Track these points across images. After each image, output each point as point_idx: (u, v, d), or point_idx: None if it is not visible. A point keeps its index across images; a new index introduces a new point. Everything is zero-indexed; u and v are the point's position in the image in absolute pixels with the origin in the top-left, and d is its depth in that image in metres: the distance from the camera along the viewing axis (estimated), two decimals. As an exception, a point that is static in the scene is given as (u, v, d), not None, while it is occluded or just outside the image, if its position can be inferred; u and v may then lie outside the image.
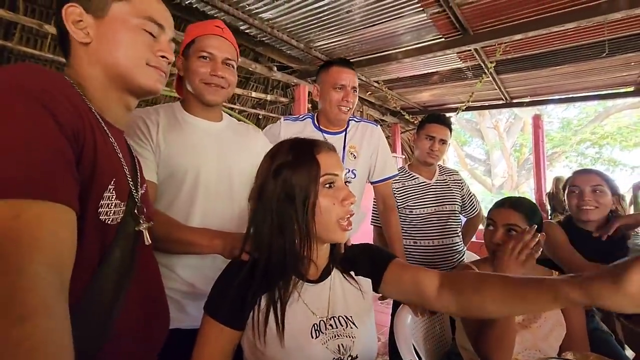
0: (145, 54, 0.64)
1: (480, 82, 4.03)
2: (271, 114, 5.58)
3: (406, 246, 1.66)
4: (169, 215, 0.94)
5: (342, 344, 0.73)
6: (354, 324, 0.76)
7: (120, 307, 0.56)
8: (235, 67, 1.11)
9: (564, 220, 1.55)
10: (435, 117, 1.73)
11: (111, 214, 0.55)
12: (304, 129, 1.51)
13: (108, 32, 0.61)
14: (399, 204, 1.68)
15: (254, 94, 4.60)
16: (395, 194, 1.67)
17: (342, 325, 0.75)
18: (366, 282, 0.83)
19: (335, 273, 0.81)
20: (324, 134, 1.50)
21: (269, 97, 4.72)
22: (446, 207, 1.69)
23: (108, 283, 0.53)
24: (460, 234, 1.74)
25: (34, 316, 0.35)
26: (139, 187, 0.67)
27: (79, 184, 0.48)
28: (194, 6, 3.03)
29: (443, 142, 1.68)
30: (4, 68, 0.50)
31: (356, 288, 0.81)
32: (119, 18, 0.61)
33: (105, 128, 0.60)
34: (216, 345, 0.72)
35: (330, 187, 0.74)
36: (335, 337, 0.73)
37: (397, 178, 1.69)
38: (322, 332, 0.73)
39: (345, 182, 0.78)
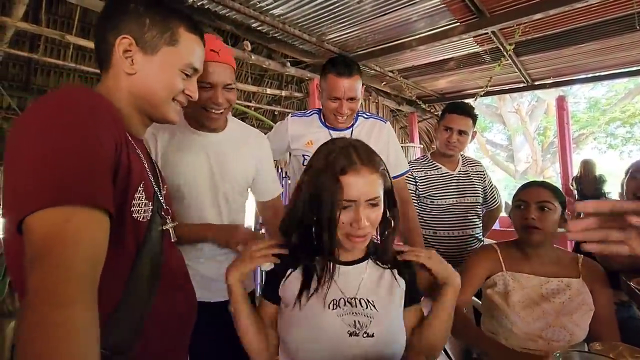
0: (177, 92, 0.73)
1: (499, 65, 3.90)
2: (287, 110, 5.60)
3: (425, 236, 1.65)
4: None
5: (358, 321, 0.78)
6: (374, 307, 0.81)
7: (153, 297, 0.63)
8: (235, 85, 1.13)
9: None
10: (454, 107, 1.67)
11: (142, 212, 0.63)
12: (311, 125, 1.52)
13: (152, 70, 0.68)
14: (420, 192, 1.66)
15: (268, 91, 4.63)
16: (418, 182, 1.66)
17: (362, 306, 0.80)
18: (401, 281, 0.89)
19: (372, 262, 0.88)
20: (330, 131, 1.51)
21: (283, 93, 4.74)
22: (467, 199, 1.66)
23: (145, 271, 0.61)
24: (480, 225, 1.71)
25: (73, 304, 0.42)
26: (161, 189, 0.74)
27: (115, 188, 0.55)
28: (206, 7, 3.07)
29: (462, 133, 1.62)
30: (60, 90, 0.57)
31: (391, 283, 0.87)
32: (166, 61, 0.68)
33: (131, 139, 0.67)
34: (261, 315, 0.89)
35: (346, 208, 0.80)
36: (352, 313, 0.79)
37: (419, 167, 1.69)
38: (339, 307, 0.80)
39: (373, 205, 0.81)
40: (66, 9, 3.43)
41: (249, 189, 1.28)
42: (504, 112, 12.31)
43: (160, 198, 0.71)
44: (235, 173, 1.16)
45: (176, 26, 0.68)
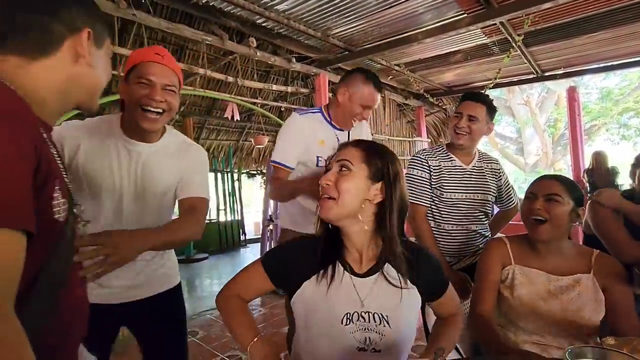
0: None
1: (508, 57, 3.84)
2: (292, 106, 5.60)
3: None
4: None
5: (369, 337, 0.78)
6: (388, 323, 0.79)
7: (65, 288, 0.65)
8: (178, 92, 1.11)
9: (627, 192, 1.47)
10: (467, 95, 1.62)
11: (61, 212, 0.62)
12: (320, 123, 1.61)
13: (100, 62, 0.72)
14: (433, 183, 1.61)
15: (274, 87, 4.62)
16: (432, 172, 1.60)
17: (375, 321, 0.79)
18: (415, 292, 0.85)
19: (384, 272, 0.83)
20: (335, 130, 1.62)
21: (289, 89, 4.73)
22: (478, 196, 1.59)
23: (61, 262, 0.63)
24: (486, 222, 1.65)
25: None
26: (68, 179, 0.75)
27: (37, 192, 0.55)
28: (211, 4, 3.07)
29: (472, 118, 1.53)
30: None
31: (403, 293, 0.83)
32: (106, 52, 0.74)
33: (42, 130, 0.63)
34: (252, 280, 0.89)
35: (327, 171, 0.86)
36: (365, 329, 0.78)
37: (434, 155, 1.63)
38: (352, 322, 0.78)
39: (343, 168, 0.84)
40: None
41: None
42: (513, 104, 12.10)
43: (70, 191, 0.71)
44: (156, 187, 1.13)
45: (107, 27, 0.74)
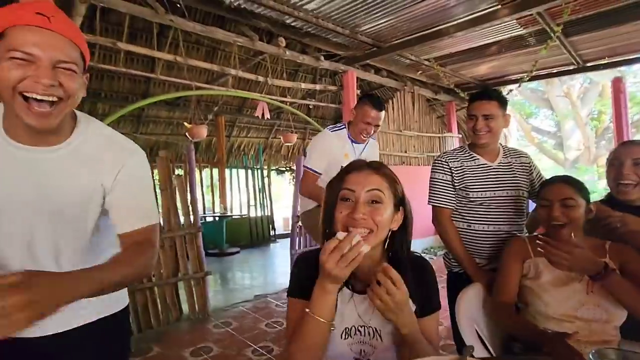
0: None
1: (546, 48, 3.66)
2: (321, 103, 5.65)
3: (458, 229, 1.62)
4: None
5: (364, 350, 0.84)
6: (380, 337, 0.84)
7: None
8: (80, 71, 0.76)
9: (605, 197, 1.49)
10: (474, 95, 1.61)
11: None
12: (344, 139, 2.12)
13: None
14: (456, 184, 1.61)
15: (303, 85, 4.69)
16: (453, 172, 1.60)
17: (369, 335, 0.84)
18: (410, 305, 0.82)
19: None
20: (353, 144, 2.14)
21: (318, 87, 4.77)
22: (508, 192, 1.56)
23: None
24: (521, 223, 1.62)
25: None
26: None
27: None
28: (242, 6, 3.16)
29: (488, 117, 1.52)
30: None
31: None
32: None
33: None
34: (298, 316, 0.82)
35: (346, 200, 0.82)
36: (360, 342, 0.84)
37: (455, 156, 1.62)
38: (350, 336, 0.84)
39: (375, 202, 0.80)
40: (117, 17, 3.70)
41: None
42: (552, 97, 11.46)
43: None
44: (71, 208, 0.82)
45: None
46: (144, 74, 3.68)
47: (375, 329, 0.84)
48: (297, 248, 4.11)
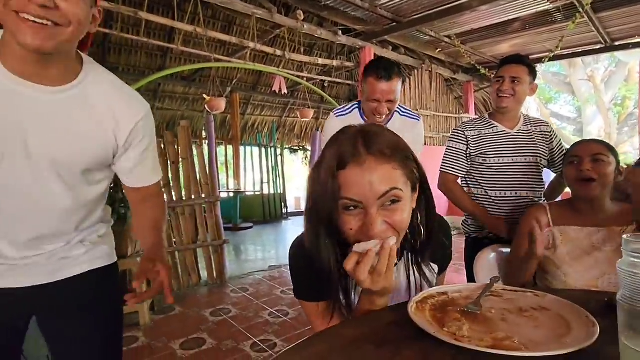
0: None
1: (574, 22, 3.53)
2: (337, 80, 5.60)
3: (476, 196, 1.65)
4: None
5: None
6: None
7: None
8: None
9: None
10: (506, 58, 1.60)
11: None
12: (354, 121, 1.50)
13: None
14: (471, 151, 1.62)
15: (320, 61, 4.64)
16: (469, 141, 1.63)
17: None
18: (431, 271, 0.79)
19: (400, 265, 0.76)
20: None
21: (335, 63, 4.72)
22: (526, 159, 1.57)
23: None
24: (540, 189, 1.63)
25: None
26: None
27: None
28: (262, -23, 3.13)
29: (515, 80, 1.51)
30: None
31: (426, 277, 0.77)
32: None
33: None
34: (320, 312, 0.74)
35: (352, 210, 0.62)
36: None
37: (473, 126, 1.64)
38: None
39: (393, 201, 0.62)
40: (136, -13, 3.71)
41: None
42: (574, 80, 11.07)
43: None
44: (74, 162, 0.75)
45: None
46: (163, 43, 3.70)
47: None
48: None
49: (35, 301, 0.82)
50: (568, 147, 1.36)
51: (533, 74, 1.57)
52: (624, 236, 0.41)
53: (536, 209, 1.29)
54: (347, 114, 1.69)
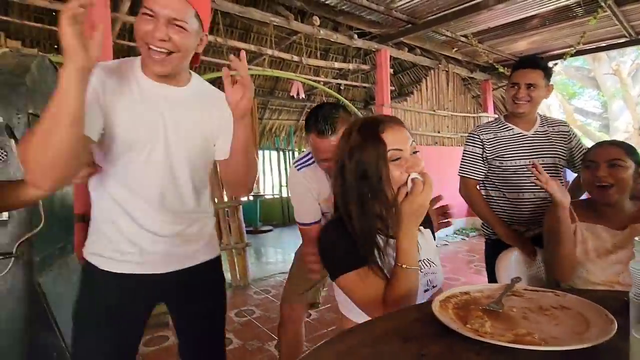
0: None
1: (595, 18, 3.46)
2: (354, 83, 5.64)
3: (494, 198, 1.66)
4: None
5: (429, 280, 0.91)
6: (433, 263, 0.94)
7: None
8: (194, 28, 0.87)
9: None
10: (519, 62, 1.59)
11: None
12: (314, 175, 1.42)
13: None
14: (487, 155, 1.63)
15: (336, 65, 4.70)
16: (485, 145, 1.63)
17: (427, 266, 0.92)
18: (428, 232, 1.00)
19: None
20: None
21: (351, 67, 4.77)
22: (544, 160, 1.56)
23: None
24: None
25: None
26: None
27: None
28: (278, -14, 3.22)
29: (531, 86, 1.51)
30: None
31: (425, 236, 0.97)
32: None
33: None
34: (363, 283, 0.83)
35: (397, 160, 0.82)
36: (424, 275, 0.90)
37: (488, 129, 1.65)
38: (420, 272, 0.87)
39: (414, 152, 0.85)
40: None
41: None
42: (599, 75, 10.68)
43: None
44: (194, 134, 0.96)
45: None
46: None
47: (427, 258, 0.93)
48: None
49: (166, 287, 0.97)
50: (589, 145, 1.35)
51: (548, 76, 1.56)
52: (636, 238, 0.44)
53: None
54: (309, 164, 1.44)
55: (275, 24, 3.58)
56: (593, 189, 1.19)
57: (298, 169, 1.45)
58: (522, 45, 4.83)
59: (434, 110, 5.32)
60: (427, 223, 1.00)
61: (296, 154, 7.38)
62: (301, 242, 1.60)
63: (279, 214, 6.98)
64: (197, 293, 1.02)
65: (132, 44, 3.62)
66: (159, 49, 0.84)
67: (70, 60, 0.67)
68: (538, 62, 1.56)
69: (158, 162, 0.91)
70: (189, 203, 0.97)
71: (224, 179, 1.10)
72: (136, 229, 0.91)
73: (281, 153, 7.34)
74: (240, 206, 3.23)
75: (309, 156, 1.43)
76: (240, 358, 2.07)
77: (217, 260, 1.09)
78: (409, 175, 0.81)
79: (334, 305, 2.78)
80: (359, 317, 0.87)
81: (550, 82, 1.60)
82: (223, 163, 1.02)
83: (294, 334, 1.62)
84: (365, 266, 0.83)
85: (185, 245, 0.97)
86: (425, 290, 0.90)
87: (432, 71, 5.35)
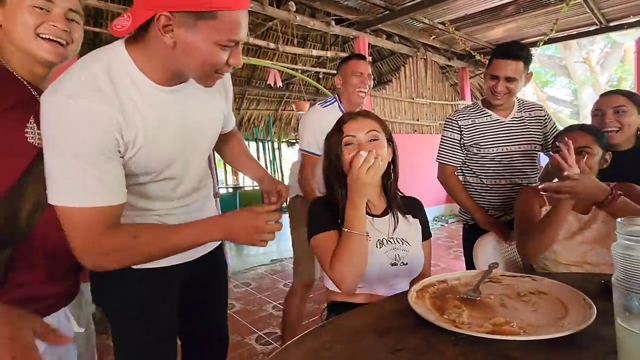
0: (34, 27, 0.78)
1: (568, 4, 3.51)
2: (331, 71, 5.56)
3: (472, 184, 1.66)
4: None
5: (398, 254, 1.01)
6: (408, 243, 1.04)
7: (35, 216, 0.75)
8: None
9: None
10: (500, 51, 1.51)
11: (36, 138, 0.75)
12: (335, 113, 1.69)
13: (8, 15, 0.77)
14: (465, 142, 1.61)
15: (314, 52, 4.60)
16: (462, 131, 1.61)
17: (399, 243, 1.03)
18: (416, 222, 1.11)
19: (395, 212, 1.08)
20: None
21: (329, 54, 4.68)
22: (520, 147, 1.56)
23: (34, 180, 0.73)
24: (534, 176, 1.63)
25: None
26: None
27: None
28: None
29: (510, 80, 1.47)
30: None
31: (409, 223, 1.10)
32: (14, 3, 0.77)
33: (25, 82, 0.80)
34: (330, 244, 0.96)
35: (349, 145, 0.99)
36: (394, 249, 1.01)
37: (466, 115, 1.62)
38: (384, 245, 1.01)
39: (372, 140, 0.99)
40: (124, -15, 3.64)
41: None
42: (570, 63, 11.00)
43: None
44: (209, 125, 0.94)
45: None
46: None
47: (402, 238, 1.04)
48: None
49: (188, 272, 0.98)
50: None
51: (528, 65, 1.52)
52: (618, 220, 0.41)
53: (529, 190, 1.32)
54: (329, 105, 1.84)
55: (249, 9, 3.44)
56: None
57: (323, 107, 1.82)
58: (498, 32, 4.88)
59: (413, 99, 5.33)
60: (420, 215, 1.12)
61: (275, 144, 7.27)
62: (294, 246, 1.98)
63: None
64: (214, 275, 1.09)
65: (96, 29, 3.42)
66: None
67: None
68: (518, 53, 1.49)
69: (178, 170, 0.87)
70: (200, 180, 0.98)
71: (224, 150, 1.19)
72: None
73: (260, 143, 7.21)
74: (218, 199, 3.14)
75: (330, 100, 1.85)
76: (220, 353, 2.02)
77: (221, 247, 1.14)
78: (359, 153, 0.93)
79: (315, 296, 2.77)
80: (334, 286, 0.99)
81: (530, 71, 1.57)
82: (223, 136, 1.10)
83: (298, 310, 1.92)
84: (333, 231, 0.96)
85: None
86: (393, 264, 1.00)
87: (410, 59, 5.34)
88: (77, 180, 0.66)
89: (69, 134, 0.64)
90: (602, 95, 1.49)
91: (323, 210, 1.02)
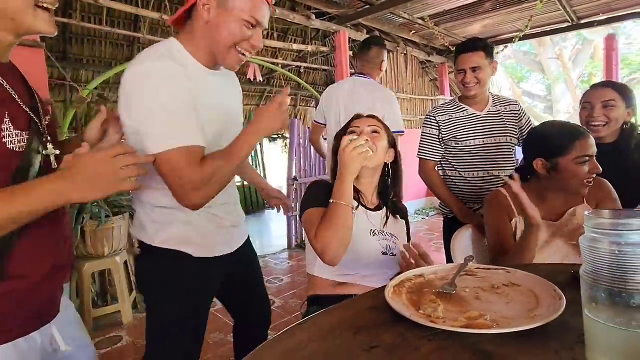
0: None
1: (542, 1, 3.60)
2: (312, 65, 5.52)
3: (450, 177, 1.70)
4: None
5: (388, 245, 1.10)
6: (397, 238, 1.14)
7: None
8: None
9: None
10: (460, 47, 1.63)
11: (16, 142, 0.66)
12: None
13: None
14: (444, 136, 1.66)
15: (295, 47, 4.55)
16: (441, 126, 1.66)
17: (389, 236, 1.12)
18: (402, 223, 1.24)
19: (387, 210, 1.18)
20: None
21: (310, 48, 4.64)
22: (497, 140, 1.62)
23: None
24: (512, 167, 1.68)
25: None
26: (41, 117, 0.75)
27: None
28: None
29: (476, 69, 1.56)
30: None
31: (398, 222, 1.21)
32: None
33: None
34: (319, 217, 1.00)
35: (352, 133, 1.11)
36: (385, 240, 1.10)
37: (444, 111, 1.68)
38: (377, 235, 1.10)
39: (373, 132, 1.12)
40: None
41: None
42: (544, 59, 11.35)
43: (40, 126, 0.73)
44: (239, 115, 1.08)
45: None
46: (129, 33, 3.53)
47: (392, 233, 1.13)
48: (293, 212, 4.15)
49: (231, 262, 1.07)
50: (537, 124, 1.39)
51: (490, 55, 1.61)
52: (586, 213, 0.42)
53: (496, 197, 1.23)
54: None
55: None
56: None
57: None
58: (476, 28, 4.96)
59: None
60: (405, 219, 1.23)
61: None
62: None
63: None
64: (250, 259, 1.22)
65: (65, 20, 3.26)
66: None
67: None
68: (476, 44, 1.60)
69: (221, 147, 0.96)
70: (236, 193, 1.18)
71: None
72: (214, 216, 0.99)
73: (242, 139, 7.11)
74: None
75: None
76: (202, 352, 1.99)
77: (249, 240, 1.26)
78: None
79: (298, 292, 2.76)
80: (320, 271, 1.08)
81: (495, 60, 1.64)
82: None
83: None
84: (325, 208, 0.99)
85: (240, 216, 1.13)
86: (384, 253, 1.08)
87: (391, 54, 5.36)
88: (173, 125, 0.79)
89: (161, 85, 0.79)
90: (592, 87, 1.51)
91: (322, 189, 1.06)
